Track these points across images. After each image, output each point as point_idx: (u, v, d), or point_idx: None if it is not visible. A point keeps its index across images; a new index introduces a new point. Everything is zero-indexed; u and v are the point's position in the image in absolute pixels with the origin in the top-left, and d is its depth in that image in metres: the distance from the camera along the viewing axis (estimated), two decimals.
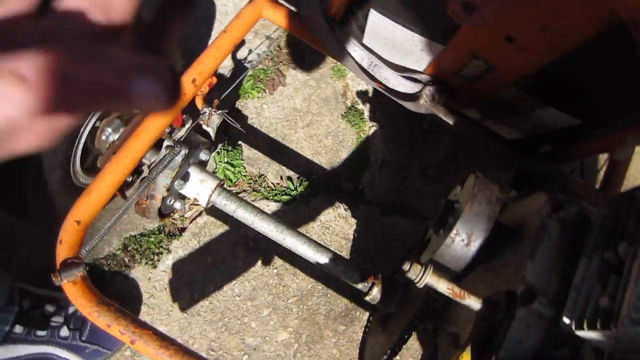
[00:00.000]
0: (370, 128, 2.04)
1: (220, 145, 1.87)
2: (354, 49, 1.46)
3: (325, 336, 1.74)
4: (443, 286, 0.91)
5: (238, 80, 1.82)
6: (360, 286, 1.41)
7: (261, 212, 1.42)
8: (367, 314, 1.78)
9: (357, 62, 1.47)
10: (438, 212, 1.18)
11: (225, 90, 1.70)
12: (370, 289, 1.39)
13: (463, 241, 0.97)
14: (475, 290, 0.95)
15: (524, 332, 0.90)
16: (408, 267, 0.91)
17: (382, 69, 1.48)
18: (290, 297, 1.76)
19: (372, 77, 1.49)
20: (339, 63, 2.09)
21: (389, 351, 1.27)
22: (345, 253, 1.85)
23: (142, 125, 1.34)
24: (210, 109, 1.47)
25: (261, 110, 1.99)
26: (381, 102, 2.08)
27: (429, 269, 0.89)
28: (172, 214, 1.47)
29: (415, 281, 0.90)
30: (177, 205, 1.42)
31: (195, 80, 1.42)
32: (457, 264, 0.99)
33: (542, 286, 0.91)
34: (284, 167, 1.92)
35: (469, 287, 0.97)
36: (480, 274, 1.13)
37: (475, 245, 0.98)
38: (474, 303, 0.91)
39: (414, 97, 1.49)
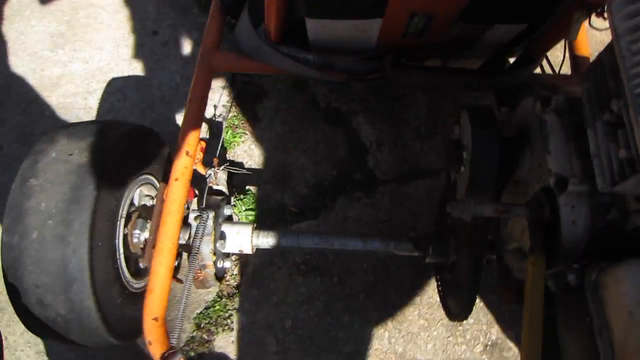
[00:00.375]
0: (352, 119, 2.14)
1: (232, 198, 1.97)
2: (305, 58, 1.57)
3: (408, 313, 1.82)
4: (489, 209, 1.00)
5: (222, 137, 1.92)
6: (416, 253, 1.50)
7: (300, 232, 1.51)
8: (432, 276, 1.86)
9: (313, 67, 1.57)
10: (449, 157, 1.27)
11: (215, 150, 1.79)
12: (426, 250, 1.47)
13: None
14: (515, 202, 1.04)
15: (573, 214, 1.00)
16: (453, 208, 0.99)
17: (339, 62, 1.58)
18: (360, 295, 1.84)
19: (332, 74, 1.59)
20: (297, 79, 2.20)
21: (468, 295, 1.35)
22: (387, 233, 1.93)
23: (164, 213, 1.43)
24: (213, 169, 1.56)
25: (251, 151, 2.09)
26: (349, 93, 2.18)
27: (471, 201, 0.98)
28: (226, 275, 1.56)
29: (464, 217, 0.98)
30: (227, 264, 1.51)
31: (188, 152, 1.52)
32: (489, 186, 1.08)
33: (568, 170, 1.00)
34: (296, 188, 2.01)
35: (508, 203, 1.06)
36: (512, 189, 1.22)
37: (495, 162, 1.07)
38: (520, 211, 1.00)
39: (378, 71, 1.59)
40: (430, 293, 1.85)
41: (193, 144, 1.55)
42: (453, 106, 2.18)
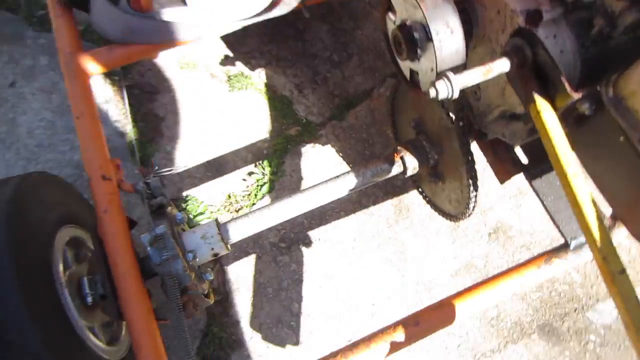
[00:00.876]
0: (260, 77, 1.93)
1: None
2: (192, 19, 1.33)
3: (404, 238, 1.71)
4: (473, 75, 0.87)
5: (135, 148, 1.63)
6: (395, 171, 1.36)
7: (268, 207, 1.31)
8: (414, 190, 1.76)
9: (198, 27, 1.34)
10: (397, 51, 1.12)
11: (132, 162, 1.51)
12: (404, 163, 1.34)
13: (447, 33, 0.93)
14: (492, 59, 0.92)
15: (557, 44, 0.89)
16: (434, 91, 0.85)
17: (229, 14, 1.36)
18: (351, 242, 1.70)
19: (224, 28, 1.37)
20: (189, 55, 1.93)
21: (469, 185, 1.25)
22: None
23: (110, 254, 1.16)
24: (141, 182, 1.30)
25: (170, 154, 1.81)
26: (245, 52, 1.96)
27: (449, 76, 0.84)
28: (213, 288, 1.33)
29: (449, 96, 0.85)
30: (208, 275, 1.28)
31: (104, 175, 1.25)
32: (460, 54, 0.95)
33: (533, 1, 0.89)
34: (237, 172, 1.79)
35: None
36: (481, 46, 1.09)
37: (457, 27, 0.94)
38: (503, 63, 0.89)
39: (275, 4, 1.40)
40: (418, 210, 1.75)
41: (105, 164, 1.27)
42: (353, 22, 2.04)
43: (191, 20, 1.35)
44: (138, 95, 1.87)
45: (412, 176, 1.42)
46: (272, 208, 1.32)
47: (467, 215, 1.35)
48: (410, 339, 1.13)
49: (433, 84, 0.89)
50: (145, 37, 1.35)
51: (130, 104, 1.85)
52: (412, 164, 1.35)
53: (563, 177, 0.86)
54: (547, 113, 0.89)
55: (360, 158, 1.81)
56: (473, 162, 1.23)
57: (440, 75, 0.90)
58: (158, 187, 1.30)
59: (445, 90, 0.88)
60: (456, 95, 0.88)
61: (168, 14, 1.30)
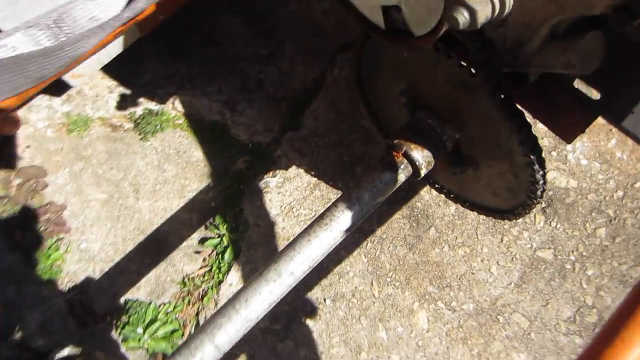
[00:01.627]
0: (173, 120, 1.42)
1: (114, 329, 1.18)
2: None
3: (438, 260, 1.22)
4: None
5: None
6: (402, 177, 0.87)
7: (243, 293, 0.81)
8: (428, 193, 1.28)
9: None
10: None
11: None
12: (412, 161, 0.85)
13: None
14: None
15: None
16: (453, 20, 0.38)
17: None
18: (369, 289, 1.20)
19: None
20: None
21: (528, 163, 0.77)
22: (336, 191, 1.29)
23: None
24: None
25: (83, 265, 1.29)
26: (144, 82, 1.45)
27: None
28: None
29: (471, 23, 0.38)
30: None
31: None
32: None
33: None
34: (190, 238, 1.28)
35: None
36: None
37: None
38: None
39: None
40: (440, 212, 1.26)
41: None
42: (270, 1, 1.54)
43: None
44: (23, 187, 1.34)
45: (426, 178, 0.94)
46: (248, 294, 0.82)
47: (532, 207, 0.86)
48: None
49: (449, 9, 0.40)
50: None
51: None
52: (424, 159, 0.86)
53: None
54: None
55: (340, 169, 1.32)
56: (527, 125, 0.75)
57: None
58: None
59: (464, 15, 0.40)
60: (484, 18, 0.41)
61: None
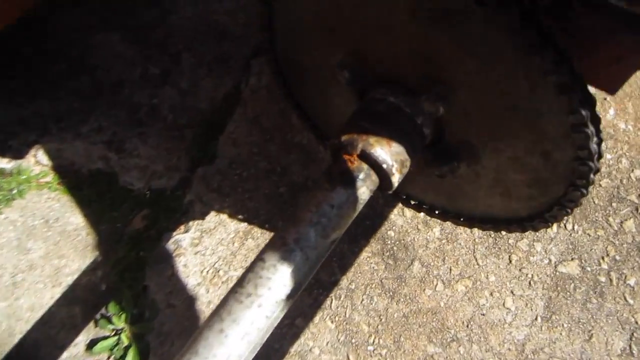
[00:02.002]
0: (37, 178, 1.03)
1: None
2: None
3: (433, 306, 0.88)
4: None
5: None
6: (364, 195, 0.53)
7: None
8: (401, 215, 0.94)
9: None
10: None
11: None
12: (376, 165, 0.52)
13: None
14: None
15: None
16: None
17: None
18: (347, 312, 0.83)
19: None
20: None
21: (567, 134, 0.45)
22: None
23: None
24: None
25: None
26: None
27: None
28: None
29: None
30: None
31: None
32: None
33: None
34: (75, 341, 0.86)
35: None
36: None
37: None
38: None
39: None
40: (422, 239, 0.92)
41: None
42: (157, 9, 1.21)
43: None
44: None
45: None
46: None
47: (578, 203, 0.54)
48: None
49: None
50: None
51: None
52: (394, 157, 0.53)
53: None
54: None
55: (277, 204, 0.96)
56: (567, 59, 0.43)
57: None
58: None
59: None
60: None
61: None
